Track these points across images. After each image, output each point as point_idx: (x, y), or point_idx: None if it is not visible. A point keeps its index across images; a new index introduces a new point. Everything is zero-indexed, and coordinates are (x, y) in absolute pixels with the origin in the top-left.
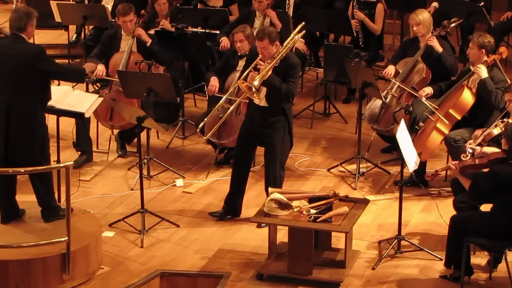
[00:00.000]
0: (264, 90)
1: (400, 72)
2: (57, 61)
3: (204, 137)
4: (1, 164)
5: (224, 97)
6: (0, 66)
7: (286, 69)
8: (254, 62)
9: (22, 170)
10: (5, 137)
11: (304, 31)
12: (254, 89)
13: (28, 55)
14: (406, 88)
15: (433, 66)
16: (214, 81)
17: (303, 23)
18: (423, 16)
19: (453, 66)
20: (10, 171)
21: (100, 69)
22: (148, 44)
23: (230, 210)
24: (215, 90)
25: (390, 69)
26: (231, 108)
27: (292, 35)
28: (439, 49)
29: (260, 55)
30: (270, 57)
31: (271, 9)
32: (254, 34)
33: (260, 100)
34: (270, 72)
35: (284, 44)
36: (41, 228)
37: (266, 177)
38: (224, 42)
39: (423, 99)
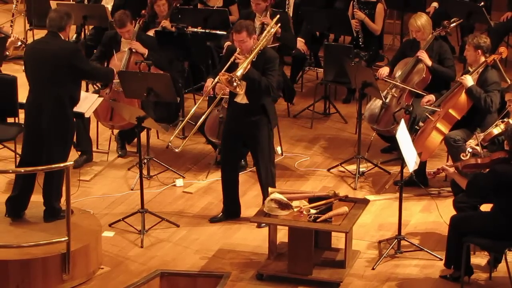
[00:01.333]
0: (244, 85)
1: (400, 72)
2: None
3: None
4: (32, 162)
5: (226, 94)
6: (36, 62)
7: (264, 63)
8: (233, 57)
9: (22, 170)
10: (39, 136)
11: (280, 24)
12: (236, 82)
13: (64, 51)
14: (406, 86)
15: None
16: (208, 82)
17: (278, 15)
18: (422, 21)
19: (450, 74)
20: (10, 170)
21: None
22: (145, 56)
23: (229, 214)
24: (210, 90)
25: (384, 70)
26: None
27: (268, 28)
28: (428, 63)
29: (238, 50)
30: (248, 51)
31: (270, 9)
32: None
33: (241, 93)
34: (249, 66)
35: (262, 37)
36: (41, 228)
37: (259, 177)
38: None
39: (425, 106)
